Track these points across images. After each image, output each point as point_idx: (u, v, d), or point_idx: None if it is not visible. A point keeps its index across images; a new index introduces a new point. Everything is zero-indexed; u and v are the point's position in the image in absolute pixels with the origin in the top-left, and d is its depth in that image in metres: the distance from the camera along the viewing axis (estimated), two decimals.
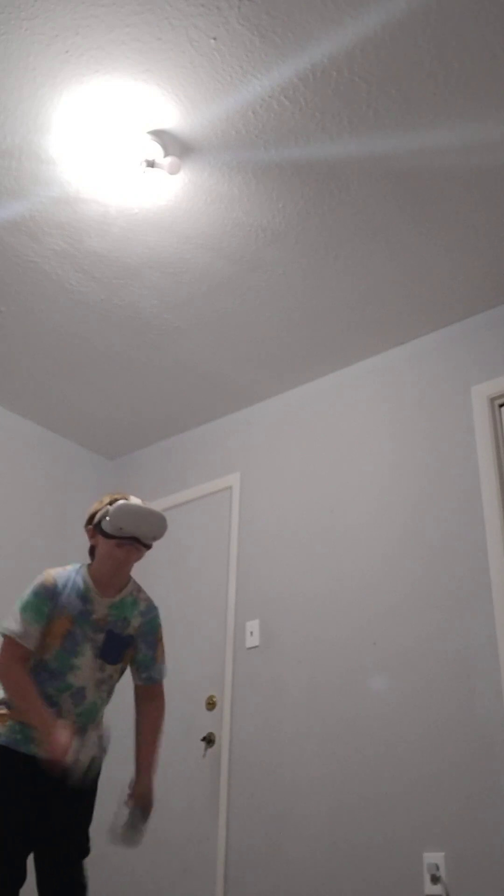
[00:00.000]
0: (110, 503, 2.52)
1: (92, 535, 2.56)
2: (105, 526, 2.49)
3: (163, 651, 2.64)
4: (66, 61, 2.66)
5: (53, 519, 4.65)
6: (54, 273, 3.58)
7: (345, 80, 2.70)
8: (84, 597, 2.51)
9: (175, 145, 2.94)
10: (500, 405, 3.54)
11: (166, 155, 2.94)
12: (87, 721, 2.51)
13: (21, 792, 2.38)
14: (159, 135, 2.91)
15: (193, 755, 3.88)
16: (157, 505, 4.66)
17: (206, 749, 3.85)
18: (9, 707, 2.44)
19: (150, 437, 4.86)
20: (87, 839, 2.51)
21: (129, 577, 2.61)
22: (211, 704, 3.92)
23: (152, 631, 2.62)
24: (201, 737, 3.88)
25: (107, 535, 2.50)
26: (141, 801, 2.50)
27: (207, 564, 4.29)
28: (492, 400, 3.55)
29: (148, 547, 2.56)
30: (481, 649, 3.18)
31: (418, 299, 3.70)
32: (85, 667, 2.48)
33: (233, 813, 3.65)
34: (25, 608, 2.44)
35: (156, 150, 2.93)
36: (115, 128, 2.89)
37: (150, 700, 2.63)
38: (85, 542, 2.62)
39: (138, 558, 2.56)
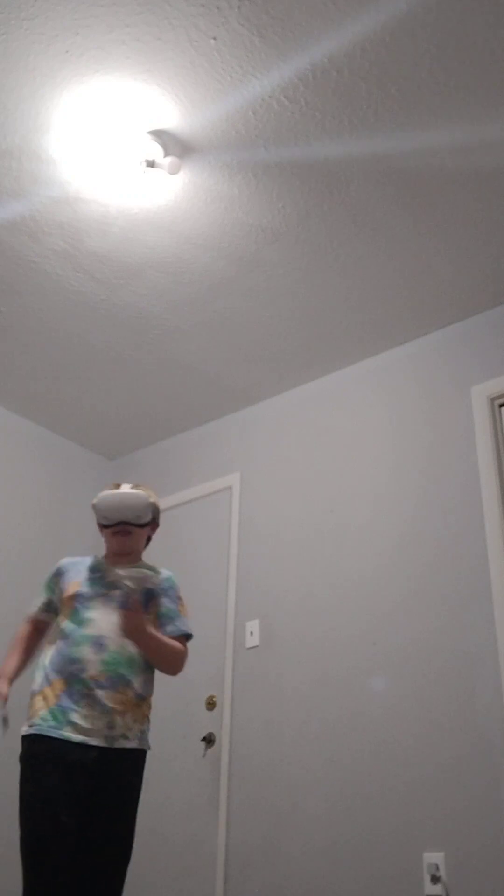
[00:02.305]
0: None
1: (99, 529, 2.81)
2: (97, 519, 2.76)
3: (185, 609, 2.71)
4: (66, 61, 2.66)
5: (53, 519, 4.65)
6: (54, 273, 3.58)
7: (345, 80, 2.70)
8: (94, 567, 2.72)
9: (175, 145, 2.94)
10: (500, 405, 3.54)
11: (166, 155, 2.94)
12: (121, 670, 2.49)
13: (59, 788, 2.33)
14: (159, 135, 2.91)
15: (193, 755, 3.88)
16: None
17: (206, 749, 3.85)
18: (40, 695, 2.51)
19: (150, 437, 4.86)
20: (129, 844, 2.44)
21: (140, 558, 2.79)
22: (211, 704, 3.92)
23: (173, 588, 2.72)
24: (201, 737, 3.88)
25: (102, 526, 2.76)
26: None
27: (207, 564, 4.29)
28: (492, 400, 3.55)
29: (141, 525, 2.74)
30: (481, 649, 3.18)
31: (418, 299, 3.70)
32: (100, 619, 2.55)
33: (233, 813, 3.65)
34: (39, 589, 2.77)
35: (156, 150, 2.93)
36: (115, 128, 2.89)
37: None
38: (82, 543, 2.74)
39: (137, 539, 2.76)
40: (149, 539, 2.85)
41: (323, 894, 3.24)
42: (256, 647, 3.89)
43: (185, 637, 2.65)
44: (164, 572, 2.75)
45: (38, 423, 4.74)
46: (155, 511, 2.78)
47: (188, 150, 2.97)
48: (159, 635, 2.56)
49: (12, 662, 2.62)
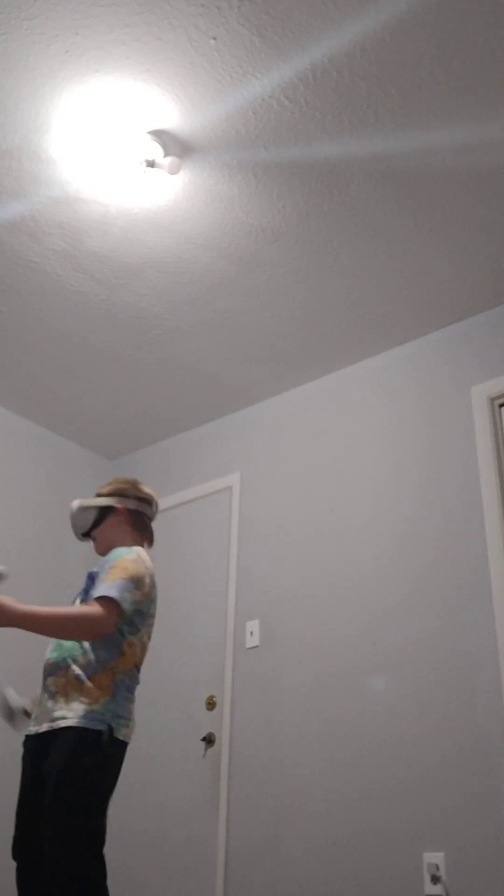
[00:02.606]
0: None
1: None
2: None
3: (115, 573, 2.48)
4: (66, 61, 2.66)
5: (53, 519, 4.64)
6: (54, 273, 3.58)
7: (345, 80, 2.70)
8: None
9: (175, 145, 2.94)
10: (500, 405, 3.54)
11: (166, 155, 2.94)
12: (62, 654, 2.47)
13: (24, 786, 2.47)
14: (159, 135, 2.91)
15: (193, 755, 3.88)
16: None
17: (206, 749, 3.85)
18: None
19: (150, 437, 4.86)
20: (63, 831, 2.27)
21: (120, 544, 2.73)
22: (211, 704, 3.92)
23: (110, 560, 2.57)
24: (201, 737, 3.88)
25: None
26: None
27: (207, 564, 4.29)
28: (492, 400, 3.55)
29: (95, 527, 2.76)
30: (481, 649, 3.18)
31: (418, 299, 3.70)
32: None
33: (233, 813, 3.65)
34: None
35: (156, 150, 2.93)
36: (115, 128, 2.89)
37: (123, 636, 2.51)
38: (82, 544, 2.77)
39: (103, 537, 2.76)
40: (137, 521, 2.77)
41: (323, 894, 3.25)
42: (256, 647, 3.89)
43: (103, 599, 2.41)
44: (112, 552, 2.65)
45: (38, 423, 4.74)
46: (97, 504, 2.72)
47: (188, 150, 2.97)
48: (35, 610, 2.36)
49: None
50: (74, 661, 2.44)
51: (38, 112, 2.84)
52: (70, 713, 2.36)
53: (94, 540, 2.77)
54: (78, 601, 2.60)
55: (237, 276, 3.58)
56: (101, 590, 2.43)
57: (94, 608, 2.39)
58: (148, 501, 2.81)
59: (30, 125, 2.88)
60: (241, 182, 3.11)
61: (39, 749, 2.40)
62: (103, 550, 2.73)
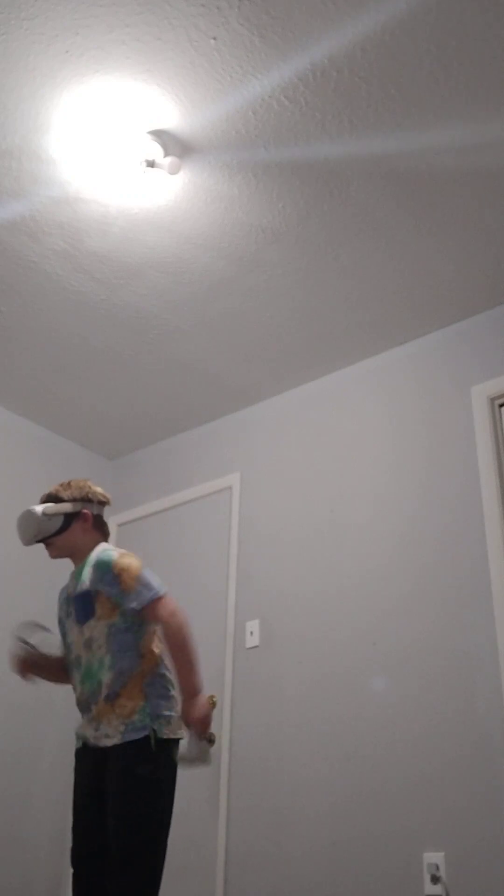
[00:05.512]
0: None
1: None
2: None
3: (129, 578, 2.57)
4: (66, 61, 2.66)
5: None
6: (54, 273, 3.58)
7: (345, 80, 2.70)
8: (66, 586, 2.79)
9: (175, 145, 2.94)
10: (500, 405, 3.54)
11: (166, 155, 2.94)
12: (95, 678, 2.57)
13: (81, 793, 2.61)
14: (159, 135, 2.91)
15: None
16: (157, 505, 4.66)
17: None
18: None
19: (150, 437, 4.86)
20: (138, 838, 2.42)
21: (85, 552, 2.73)
22: (211, 705, 3.91)
23: (103, 569, 2.61)
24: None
25: None
26: (193, 725, 2.56)
27: (207, 564, 4.28)
28: (492, 400, 3.55)
29: (56, 534, 2.70)
30: (481, 649, 3.18)
31: (418, 299, 3.70)
32: (75, 640, 2.65)
33: (233, 813, 3.65)
34: None
35: (156, 150, 2.93)
36: (115, 128, 2.89)
37: (154, 623, 2.63)
38: None
39: (64, 542, 2.73)
40: (99, 523, 2.78)
41: (323, 894, 3.24)
42: (256, 647, 3.89)
43: (148, 603, 2.55)
44: (95, 557, 2.66)
45: (38, 423, 4.73)
46: (63, 510, 2.70)
47: (188, 150, 2.97)
48: (194, 682, 2.60)
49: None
50: (101, 684, 2.54)
51: (38, 112, 2.84)
52: (112, 730, 2.49)
53: (49, 545, 2.73)
54: (71, 624, 2.67)
55: (237, 276, 3.58)
56: (137, 600, 2.54)
57: (165, 612, 2.54)
58: (107, 503, 2.85)
59: (30, 125, 2.88)
60: (241, 182, 3.11)
61: (96, 762, 2.52)
62: (65, 556, 2.77)
